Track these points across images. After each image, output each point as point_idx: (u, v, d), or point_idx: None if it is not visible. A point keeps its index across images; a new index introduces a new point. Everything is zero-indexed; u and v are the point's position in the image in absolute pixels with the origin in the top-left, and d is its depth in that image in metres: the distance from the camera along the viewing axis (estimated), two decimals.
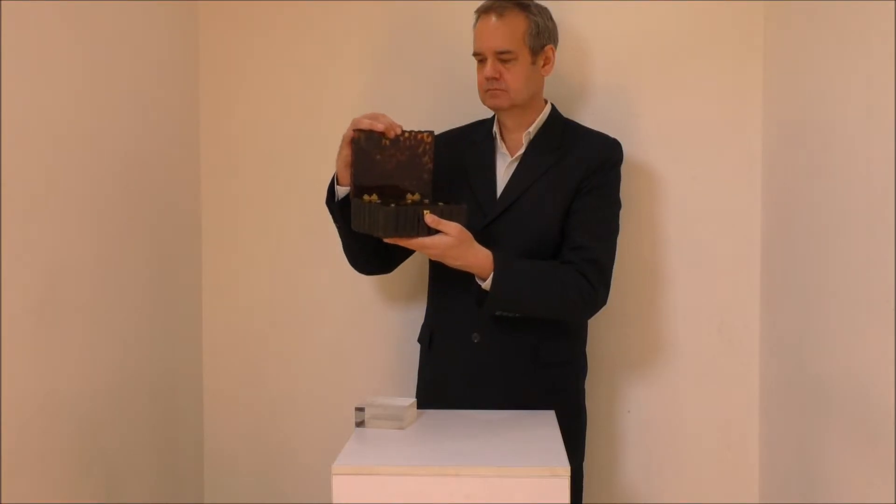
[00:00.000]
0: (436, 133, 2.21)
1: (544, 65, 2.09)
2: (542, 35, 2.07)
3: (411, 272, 2.42)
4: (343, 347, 2.48)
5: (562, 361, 2.11)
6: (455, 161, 2.14)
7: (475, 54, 2.09)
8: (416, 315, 2.37)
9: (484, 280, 1.95)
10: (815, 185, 1.99)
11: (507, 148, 2.13)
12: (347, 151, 1.97)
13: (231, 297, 2.51)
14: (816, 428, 1.98)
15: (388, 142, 1.96)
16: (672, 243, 2.39)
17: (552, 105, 2.16)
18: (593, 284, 2.01)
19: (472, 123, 2.23)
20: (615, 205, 2.11)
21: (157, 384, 2.26)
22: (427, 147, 1.98)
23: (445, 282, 2.11)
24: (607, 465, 2.41)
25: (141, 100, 2.18)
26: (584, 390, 2.19)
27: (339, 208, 2.02)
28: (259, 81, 2.47)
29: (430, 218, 1.87)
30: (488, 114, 2.19)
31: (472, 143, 2.18)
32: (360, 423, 1.82)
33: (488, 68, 2.04)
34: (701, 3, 2.35)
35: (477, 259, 1.93)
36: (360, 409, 1.83)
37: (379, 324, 2.48)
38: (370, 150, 1.96)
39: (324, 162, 2.43)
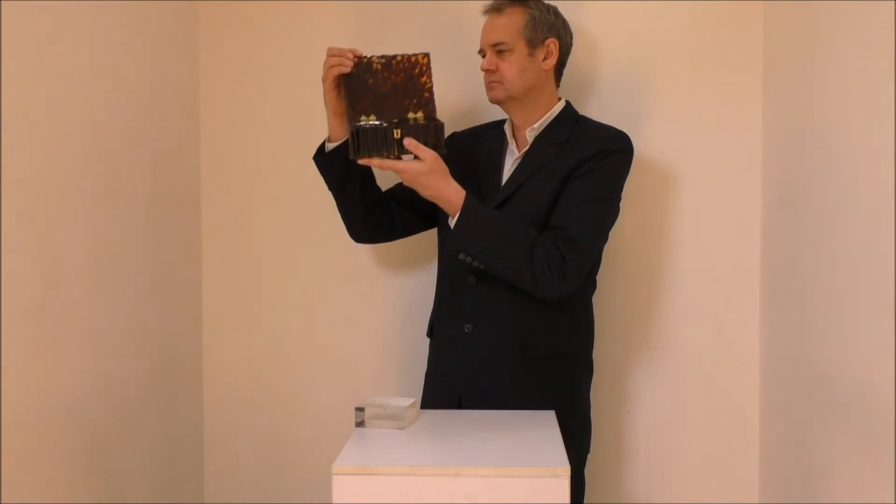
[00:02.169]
0: (457, 132, 2.22)
1: (545, 58, 2.08)
2: (541, 28, 2.07)
3: (413, 271, 2.43)
4: (343, 347, 2.48)
5: (553, 356, 2.07)
6: (468, 157, 2.16)
7: (479, 52, 2.12)
8: (417, 314, 2.37)
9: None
10: (815, 186, 1.99)
11: (517, 145, 2.14)
12: (332, 94, 1.99)
13: (231, 296, 2.51)
14: (816, 428, 1.98)
15: (379, 66, 1.94)
16: (672, 243, 2.39)
17: (567, 102, 2.15)
18: (565, 259, 1.95)
19: (489, 123, 2.25)
20: (607, 191, 2.05)
21: (157, 384, 2.26)
22: (424, 67, 1.94)
23: (446, 273, 2.13)
24: (607, 466, 2.41)
25: (141, 99, 2.18)
26: (584, 388, 2.18)
27: (329, 162, 2.06)
28: (259, 81, 2.47)
29: (408, 141, 1.87)
30: (480, 110, 2.19)
31: (485, 140, 2.20)
32: (360, 423, 1.82)
33: (485, 61, 2.08)
34: (701, 4, 2.35)
35: (447, 191, 1.92)
36: (360, 409, 1.83)
37: (380, 323, 2.48)
38: (361, 74, 1.95)
39: None
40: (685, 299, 2.39)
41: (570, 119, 2.13)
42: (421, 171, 1.88)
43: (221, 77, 2.48)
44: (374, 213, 2.16)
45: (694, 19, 2.36)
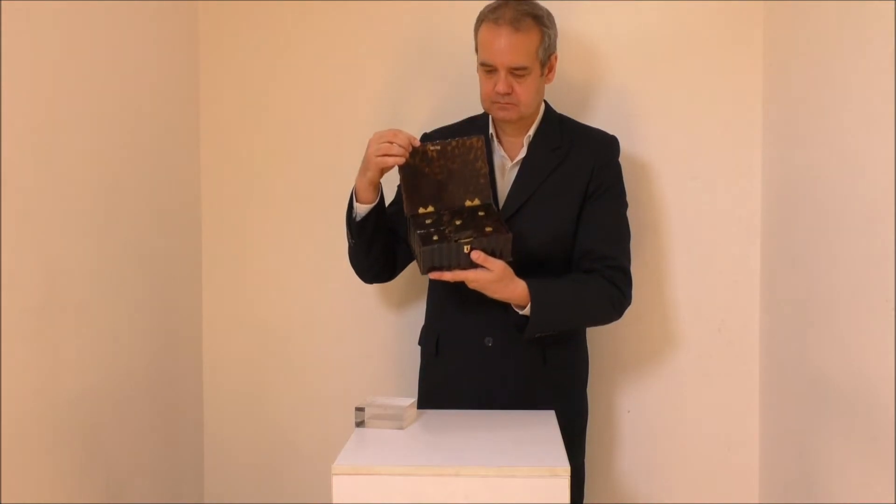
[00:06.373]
0: (427, 132, 2.18)
1: (548, 73, 2.07)
2: (551, 46, 2.05)
3: (412, 271, 2.42)
4: (343, 347, 2.48)
5: (568, 363, 2.13)
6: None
7: (484, 64, 2.02)
8: (415, 315, 2.37)
9: (521, 308, 1.96)
10: (815, 185, 1.99)
11: (505, 150, 2.11)
12: (374, 174, 1.94)
13: (231, 297, 2.51)
14: (816, 428, 1.98)
15: (434, 154, 1.90)
16: (672, 244, 2.39)
17: (546, 102, 2.15)
18: (622, 290, 2.05)
19: (463, 121, 2.19)
20: (624, 200, 2.13)
21: (157, 384, 2.26)
22: (479, 152, 1.91)
23: (456, 288, 2.06)
24: (607, 466, 2.41)
25: (141, 100, 2.18)
26: (586, 387, 2.21)
27: (358, 225, 2.03)
28: (259, 81, 2.47)
29: (476, 254, 1.86)
30: (478, 109, 2.14)
31: None
32: (360, 423, 1.83)
33: (501, 83, 1.99)
34: (701, 3, 2.35)
35: (515, 293, 1.94)
36: (360, 409, 1.83)
37: (379, 323, 2.48)
38: (417, 164, 1.91)
39: (323, 162, 2.44)
40: (685, 299, 2.39)
41: (555, 120, 2.13)
42: (490, 280, 1.89)
43: (221, 77, 2.48)
44: (389, 260, 2.15)
45: (694, 19, 2.36)
